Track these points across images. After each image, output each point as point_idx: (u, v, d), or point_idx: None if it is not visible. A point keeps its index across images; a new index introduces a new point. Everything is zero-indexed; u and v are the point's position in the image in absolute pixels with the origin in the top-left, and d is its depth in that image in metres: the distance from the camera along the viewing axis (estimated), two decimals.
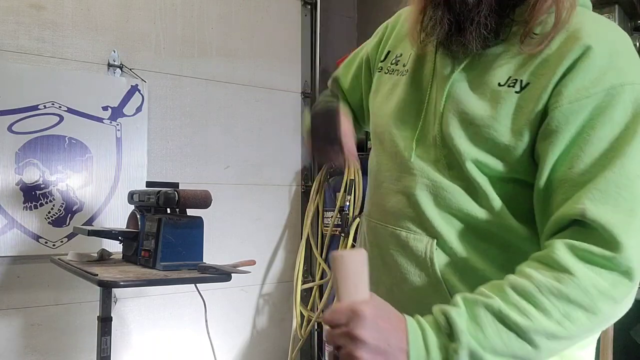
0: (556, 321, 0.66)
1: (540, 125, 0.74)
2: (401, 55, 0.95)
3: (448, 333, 0.66)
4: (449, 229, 0.81)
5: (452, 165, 0.80)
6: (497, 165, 0.77)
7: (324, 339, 0.62)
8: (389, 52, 0.99)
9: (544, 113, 0.73)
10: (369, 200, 0.96)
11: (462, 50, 0.80)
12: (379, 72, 0.99)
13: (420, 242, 0.82)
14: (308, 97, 2.97)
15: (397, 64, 0.94)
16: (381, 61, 0.99)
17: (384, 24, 1.06)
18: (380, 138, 0.92)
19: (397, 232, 0.85)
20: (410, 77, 0.89)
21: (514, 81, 0.76)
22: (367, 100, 1.04)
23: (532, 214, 0.78)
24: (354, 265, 0.66)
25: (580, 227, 0.69)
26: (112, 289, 1.87)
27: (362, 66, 1.08)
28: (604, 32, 0.74)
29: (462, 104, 0.79)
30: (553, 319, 0.66)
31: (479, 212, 0.79)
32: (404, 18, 0.98)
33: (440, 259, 0.81)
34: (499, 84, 0.77)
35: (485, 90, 0.78)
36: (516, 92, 0.75)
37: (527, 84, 0.75)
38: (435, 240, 0.81)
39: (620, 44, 0.74)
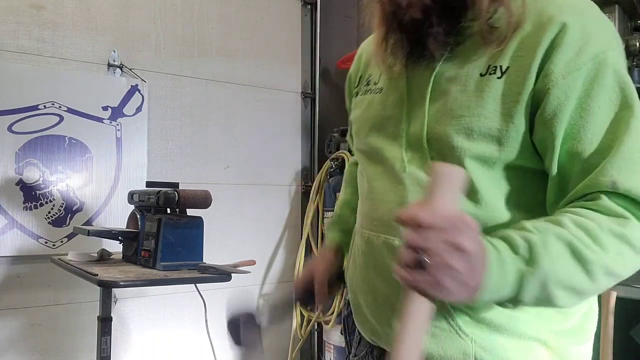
0: (613, 258, 0.67)
1: (533, 109, 0.74)
2: (371, 75, 0.97)
3: (526, 258, 0.66)
4: None
5: None
6: (495, 153, 0.76)
7: (408, 244, 0.57)
8: (361, 77, 1.01)
9: (535, 96, 0.74)
10: (360, 213, 0.95)
11: (431, 59, 0.81)
12: (355, 97, 1.00)
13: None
14: (308, 97, 2.97)
15: (369, 84, 0.96)
16: (356, 87, 1.01)
17: (350, 70, 1.09)
18: (366, 153, 0.93)
19: (390, 241, 0.84)
20: (385, 93, 0.90)
21: (494, 68, 0.76)
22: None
23: (537, 203, 0.78)
24: (457, 180, 0.65)
25: (612, 198, 0.70)
26: (112, 289, 1.87)
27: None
28: (571, 4, 0.75)
29: (448, 102, 0.79)
30: (610, 255, 0.67)
31: (475, 210, 0.78)
32: (367, 49, 1.01)
33: None
34: (481, 74, 0.77)
35: (467, 82, 0.78)
36: (498, 77, 0.75)
37: (508, 67, 0.75)
38: None
39: (589, 12, 0.76)
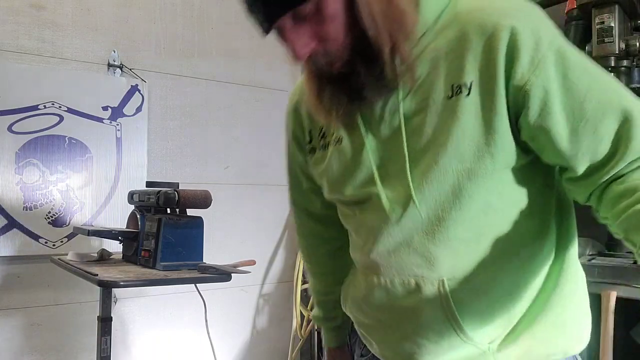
0: None
1: (514, 114, 0.74)
2: (323, 127, 0.93)
3: None
4: (455, 261, 0.80)
5: (440, 195, 0.78)
6: (489, 165, 0.76)
7: None
8: (310, 131, 0.97)
9: (513, 102, 0.74)
10: (359, 256, 0.91)
11: (375, 101, 0.81)
12: (312, 153, 0.96)
13: (431, 284, 0.80)
14: None
15: (324, 137, 0.93)
16: (309, 143, 0.97)
17: (286, 127, 1.04)
18: (351, 202, 0.89)
19: (407, 281, 0.82)
20: (346, 143, 0.87)
21: (458, 87, 0.75)
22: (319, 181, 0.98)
23: (538, 189, 0.80)
24: None
25: None
26: (112, 289, 1.86)
27: (299, 174, 1.04)
28: (510, 7, 0.76)
29: (426, 133, 0.78)
30: None
31: (488, 220, 0.79)
32: (303, 102, 0.97)
33: (454, 294, 0.79)
34: (448, 97, 0.76)
35: (437, 109, 0.77)
36: (466, 95, 0.75)
37: (472, 82, 0.75)
38: (445, 278, 0.80)
39: (528, 9, 0.76)
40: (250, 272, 1.76)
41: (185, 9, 2.61)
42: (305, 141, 0.98)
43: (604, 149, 0.72)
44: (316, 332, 2.81)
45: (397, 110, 0.80)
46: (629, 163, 0.72)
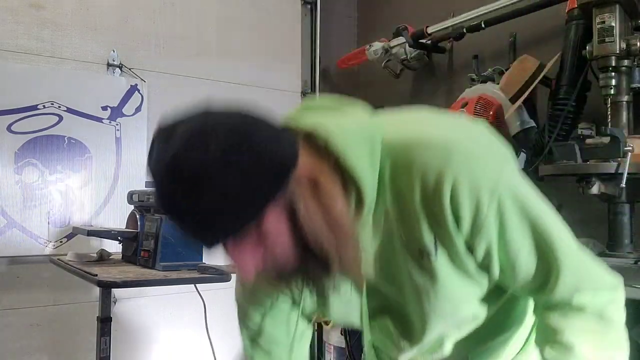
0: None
1: (472, 255, 0.77)
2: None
3: None
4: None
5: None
6: (479, 312, 0.84)
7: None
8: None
9: (469, 249, 0.76)
10: None
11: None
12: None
13: None
14: (308, 96, 2.97)
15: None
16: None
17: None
18: None
19: None
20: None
21: (425, 251, 0.76)
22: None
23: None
24: None
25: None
26: (112, 289, 1.86)
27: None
28: (447, 144, 0.72)
29: (411, 308, 0.83)
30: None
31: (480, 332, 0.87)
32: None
33: None
34: (419, 263, 0.77)
35: (405, 271, 0.79)
36: (434, 256, 0.76)
37: (434, 239, 0.75)
38: None
39: (467, 145, 0.73)
40: None
41: (185, 8, 2.61)
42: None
43: (533, 285, 0.78)
44: (316, 333, 2.81)
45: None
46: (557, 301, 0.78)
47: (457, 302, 0.81)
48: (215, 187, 0.64)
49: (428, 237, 0.75)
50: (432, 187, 0.71)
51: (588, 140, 1.56)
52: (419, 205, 0.73)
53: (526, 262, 0.75)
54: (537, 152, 1.81)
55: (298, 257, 0.73)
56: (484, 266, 0.77)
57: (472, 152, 0.72)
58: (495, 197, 0.71)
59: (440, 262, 0.76)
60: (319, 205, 0.70)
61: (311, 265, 0.74)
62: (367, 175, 0.73)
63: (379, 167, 0.74)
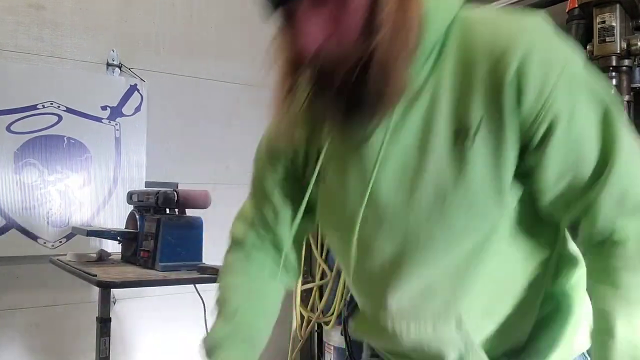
0: None
1: (522, 145, 0.70)
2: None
3: None
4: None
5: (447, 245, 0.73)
6: (497, 211, 0.71)
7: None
8: (305, 151, 0.86)
9: (520, 133, 0.69)
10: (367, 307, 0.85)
11: (370, 125, 0.73)
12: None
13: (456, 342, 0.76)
14: None
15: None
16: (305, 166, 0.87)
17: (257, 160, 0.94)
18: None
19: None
20: (336, 173, 0.80)
21: (464, 132, 0.69)
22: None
23: (535, 223, 0.75)
24: None
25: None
26: (111, 289, 1.86)
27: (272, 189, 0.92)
28: (520, 28, 0.70)
29: (426, 183, 0.71)
30: None
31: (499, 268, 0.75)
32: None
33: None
34: (453, 144, 0.70)
35: (437, 155, 0.71)
36: (471, 141, 0.69)
37: (481, 119, 0.69)
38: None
39: (540, 32, 0.70)
40: None
41: (185, 8, 2.60)
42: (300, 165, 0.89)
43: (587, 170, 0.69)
44: (316, 333, 2.81)
45: (381, 142, 0.73)
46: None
47: (473, 218, 0.70)
48: None
49: (476, 114, 0.68)
50: (500, 56, 0.67)
51: None
52: (480, 75, 0.68)
53: (583, 150, 0.68)
54: None
55: (360, 51, 0.67)
56: (526, 170, 0.69)
57: (546, 31, 0.70)
58: (566, 72, 0.67)
59: (477, 150, 0.68)
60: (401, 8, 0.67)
61: (365, 71, 0.68)
62: (437, 21, 0.70)
63: (447, 32, 0.71)
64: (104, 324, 1.71)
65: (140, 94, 2.44)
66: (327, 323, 2.53)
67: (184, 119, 2.58)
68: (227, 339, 0.87)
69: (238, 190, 2.69)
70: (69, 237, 2.26)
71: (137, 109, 2.44)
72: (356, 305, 0.94)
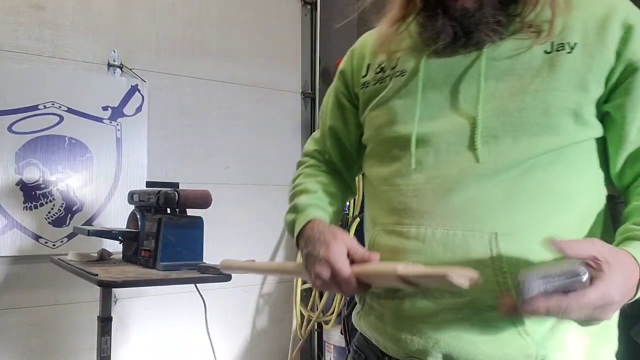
0: None
1: (613, 82, 0.76)
2: (382, 63, 0.91)
3: None
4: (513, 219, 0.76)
5: (512, 149, 0.76)
6: (571, 125, 0.76)
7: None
8: (368, 65, 0.95)
9: (616, 72, 0.75)
10: (387, 209, 0.85)
11: (478, 47, 0.80)
12: (364, 87, 0.94)
13: (481, 238, 0.75)
14: (308, 97, 2.98)
15: (383, 71, 0.91)
16: (363, 76, 0.95)
17: (347, 55, 1.02)
18: (400, 144, 0.84)
19: (450, 233, 0.76)
20: (412, 77, 0.85)
21: (561, 45, 0.76)
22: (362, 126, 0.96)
23: (598, 167, 0.80)
24: None
25: None
26: (112, 288, 1.86)
27: (342, 104, 1.01)
28: None
29: (514, 80, 0.78)
30: None
31: (543, 186, 0.76)
32: (370, 40, 0.98)
33: (505, 251, 0.74)
34: (546, 52, 0.77)
35: (532, 60, 0.77)
36: (568, 52, 0.76)
37: (576, 43, 0.76)
38: (496, 234, 0.75)
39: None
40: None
41: (185, 8, 2.61)
42: (358, 75, 0.97)
43: None
44: (316, 333, 2.81)
45: (479, 53, 0.80)
46: None
47: (557, 105, 0.75)
48: None
49: (572, 37, 0.76)
50: (609, 11, 0.77)
51: None
52: (589, 12, 0.77)
53: None
54: None
55: None
56: (624, 94, 0.76)
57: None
58: None
59: (569, 60, 0.76)
60: None
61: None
62: None
63: None
64: (105, 323, 1.71)
65: (141, 94, 2.45)
66: (327, 322, 2.53)
67: (185, 119, 2.58)
68: (310, 205, 0.94)
69: (238, 190, 2.72)
70: (70, 236, 2.26)
71: (138, 109, 2.44)
72: (355, 304, 0.95)
